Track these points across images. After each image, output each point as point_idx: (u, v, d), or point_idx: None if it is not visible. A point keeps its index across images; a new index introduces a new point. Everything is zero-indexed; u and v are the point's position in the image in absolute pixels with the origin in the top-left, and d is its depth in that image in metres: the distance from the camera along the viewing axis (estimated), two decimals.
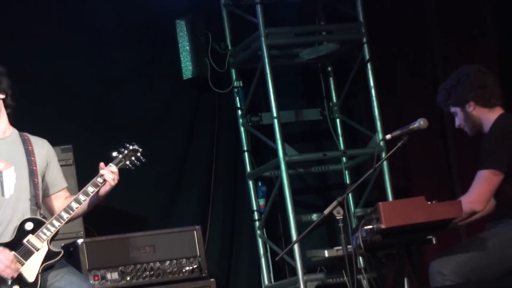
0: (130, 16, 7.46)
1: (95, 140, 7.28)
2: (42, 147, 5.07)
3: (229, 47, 7.62)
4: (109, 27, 7.51)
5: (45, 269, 4.78)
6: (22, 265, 4.73)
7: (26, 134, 5.10)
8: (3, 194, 4.87)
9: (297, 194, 7.36)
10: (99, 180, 4.93)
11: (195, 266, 6.24)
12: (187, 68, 7.52)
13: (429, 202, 5.04)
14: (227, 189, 7.78)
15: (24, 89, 6.69)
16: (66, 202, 4.96)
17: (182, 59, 7.51)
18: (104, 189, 4.94)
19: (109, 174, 4.96)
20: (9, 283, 4.77)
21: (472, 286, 4.99)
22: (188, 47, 7.49)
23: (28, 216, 4.83)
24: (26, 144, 5.02)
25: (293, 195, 7.04)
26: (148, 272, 6.18)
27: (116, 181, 4.99)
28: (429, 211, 5.01)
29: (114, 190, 5.78)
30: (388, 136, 5.14)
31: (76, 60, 7.31)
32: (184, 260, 6.25)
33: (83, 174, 6.21)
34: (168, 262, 6.21)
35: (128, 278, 6.15)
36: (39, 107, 6.77)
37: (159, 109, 7.63)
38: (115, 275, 6.13)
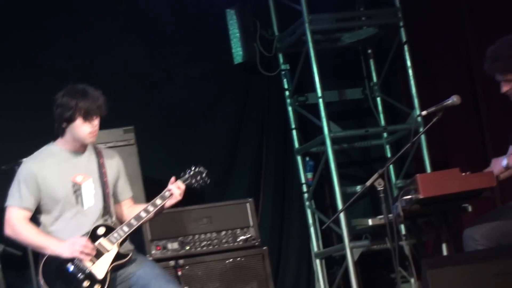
0: (184, 7, 7.52)
1: (154, 121, 7.46)
2: (112, 159, 5.20)
3: (276, 33, 7.76)
4: (165, 18, 7.65)
5: (115, 269, 4.92)
6: (93, 263, 4.87)
7: (98, 147, 5.23)
8: (82, 205, 5.00)
9: (342, 167, 7.47)
10: (167, 194, 5.04)
11: (248, 236, 6.39)
12: (237, 53, 7.64)
13: (463, 173, 5.14)
14: (277, 164, 7.88)
15: (92, 74, 6.85)
16: (132, 209, 5.13)
17: (232, 45, 7.64)
18: (170, 202, 5.05)
19: (176, 189, 5.06)
20: (81, 277, 4.92)
21: (503, 250, 4.99)
22: (238, 34, 7.60)
23: (101, 223, 5.01)
24: (98, 157, 5.14)
25: (338, 169, 7.17)
26: (205, 242, 6.35)
27: (181, 196, 5.08)
28: (463, 182, 5.15)
29: (174, 166, 5.93)
30: (424, 112, 5.24)
31: (137, 48, 7.47)
32: (238, 230, 6.39)
33: (144, 153, 6.45)
34: (223, 232, 6.36)
35: (187, 248, 6.33)
36: (105, 91, 6.87)
37: (213, 91, 7.73)
38: (175, 245, 6.32)
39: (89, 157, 5.10)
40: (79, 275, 4.91)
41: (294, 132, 7.78)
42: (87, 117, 4.93)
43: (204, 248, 6.38)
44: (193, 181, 5.12)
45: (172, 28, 7.70)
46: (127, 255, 4.94)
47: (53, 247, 4.89)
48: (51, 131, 5.11)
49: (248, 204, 6.48)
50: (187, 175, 5.12)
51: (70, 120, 4.88)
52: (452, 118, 6.58)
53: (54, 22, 7.54)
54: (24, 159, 5.18)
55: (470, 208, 6.18)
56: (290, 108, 7.83)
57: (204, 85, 7.72)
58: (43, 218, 5.07)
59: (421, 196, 5.29)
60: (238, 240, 6.43)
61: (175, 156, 7.48)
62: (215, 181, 7.46)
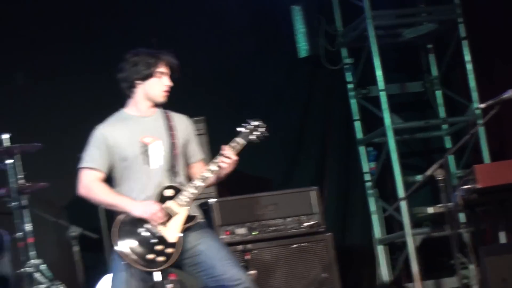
0: (252, 3, 7.64)
1: (224, 112, 7.51)
2: (181, 121, 5.14)
3: (339, 29, 7.88)
4: (235, 13, 7.75)
5: (185, 231, 4.88)
6: (164, 226, 4.84)
7: (167, 111, 5.14)
8: (149, 166, 4.96)
9: (403, 157, 7.49)
10: (217, 160, 5.02)
11: (313, 222, 6.43)
12: (302, 47, 7.72)
13: None
14: (341, 154, 7.97)
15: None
16: (201, 172, 5.13)
17: (297, 40, 7.73)
18: (224, 170, 5.05)
19: (225, 160, 4.93)
20: (153, 241, 4.85)
21: None
22: (303, 29, 7.70)
23: (169, 184, 4.99)
24: (168, 120, 5.09)
25: (399, 159, 7.25)
26: (272, 227, 6.42)
27: (231, 165, 4.98)
28: None
29: (243, 156, 6.16)
30: (482, 105, 5.28)
31: (208, 41, 7.58)
32: (303, 217, 6.44)
33: (214, 142, 6.30)
34: (289, 219, 6.41)
35: (255, 233, 6.40)
36: (177, 82, 7.01)
37: (279, 83, 7.84)
38: (243, 230, 6.41)
39: (158, 120, 5.11)
40: (151, 239, 4.92)
41: (357, 124, 7.86)
42: (163, 73, 4.98)
43: (271, 233, 6.41)
44: (252, 136, 5.04)
45: (241, 23, 7.79)
46: (195, 217, 4.93)
47: (125, 205, 4.92)
48: None
49: (313, 192, 6.51)
50: (245, 131, 5.03)
51: (146, 77, 4.94)
52: (510, 111, 6.40)
53: (129, 18, 7.61)
54: (96, 126, 5.13)
55: None
56: (353, 101, 7.89)
57: (271, 77, 7.79)
58: (120, 181, 5.12)
59: (479, 186, 5.41)
60: (303, 226, 6.46)
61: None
62: (282, 170, 7.74)
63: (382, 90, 7.40)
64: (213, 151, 6.66)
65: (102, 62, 7.49)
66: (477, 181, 5.44)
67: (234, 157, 4.87)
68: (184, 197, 4.84)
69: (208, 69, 7.29)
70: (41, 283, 6.68)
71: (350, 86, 7.88)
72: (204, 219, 5.06)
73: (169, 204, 4.86)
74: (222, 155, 4.86)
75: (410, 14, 7.68)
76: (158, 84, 4.92)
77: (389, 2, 7.73)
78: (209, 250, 4.84)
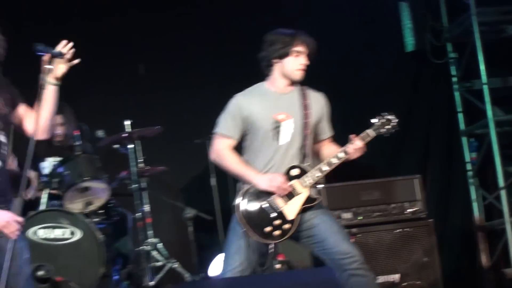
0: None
1: (332, 103, 7.66)
2: (318, 101, 5.15)
3: (445, 24, 7.87)
4: (345, 8, 7.86)
5: (304, 211, 4.93)
6: (285, 203, 4.89)
7: (304, 88, 5.18)
8: (278, 141, 5.01)
9: (504, 148, 7.47)
10: (347, 149, 4.93)
11: (416, 209, 6.55)
12: (409, 42, 7.83)
13: None
14: (444, 144, 8.00)
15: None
16: (329, 148, 5.12)
17: (405, 34, 7.83)
18: (351, 158, 5.01)
19: (354, 149, 4.93)
20: (273, 215, 4.91)
21: None
22: (410, 25, 7.82)
23: (295, 163, 5.02)
24: (303, 98, 5.12)
25: (500, 150, 7.28)
26: (376, 213, 6.56)
27: (361, 152, 4.99)
28: None
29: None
30: None
31: (318, 35, 7.56)
32: (406, 203, 6.55)
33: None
34: (393, 205, 6.54)
35: (360, 217, 6.59)
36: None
37: (385, 76, 7.89)
38: (348, 215, 6.59)
39: (294, 98, 5.14)
40: (271, 212, 4.95)
41: (460, 115, 7.92)
42: (300, 52, 5.03)
43: (375, 218, 6.55)
44: (383, 129, 5.10)
45: (351, 18, 7.89)
46: (316, 199, 4.96)
47: (252, 177, 4.97)
48: None
49: (416, 180, 6.61)
50: (378, 123, 5.09)
51: (283, 56, 5.00)
52: None
53: (252, 11, 7.74)
54: (235, 95, 5.26)
55: None
56: (456, 93, 7.95)
57: (378, 70, 7.89)
58: (249, 149, 5.22)
59: None
60: (406, 212, 6.56)
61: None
62: (387, 159, 7.78)
63: (485, 84, 7.40)
64: None
65: (220, 51, 7.66)
66: None
67: (363, 148, 4.95)
68: (309, 178, 4.90)
69: (318, 61, 7.23)
70: (157, 261, 6.98)
71: (454, 79, 7.90)
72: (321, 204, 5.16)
73: (293, 182, 4.93)
74: (352, 144, 4.93)
75: None
76: (294, 62, 4.98)
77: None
78: (323, 224, 4.91)
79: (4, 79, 4.66)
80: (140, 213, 6.88)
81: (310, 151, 5.09)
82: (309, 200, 4.92)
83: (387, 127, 5.08)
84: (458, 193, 7.92)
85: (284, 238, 4.93)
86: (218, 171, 6.80)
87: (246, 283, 4.70)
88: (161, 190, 7.56)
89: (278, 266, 5.53)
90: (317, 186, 5.17)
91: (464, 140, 7.82)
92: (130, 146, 6.88)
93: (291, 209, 4.89)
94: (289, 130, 5.04)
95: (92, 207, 6.76)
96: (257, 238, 4.90)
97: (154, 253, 6.91)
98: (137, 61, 8.02)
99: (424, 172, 7.34)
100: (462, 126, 7.83)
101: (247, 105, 5.03)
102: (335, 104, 6.94)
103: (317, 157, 5.19)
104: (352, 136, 4.95)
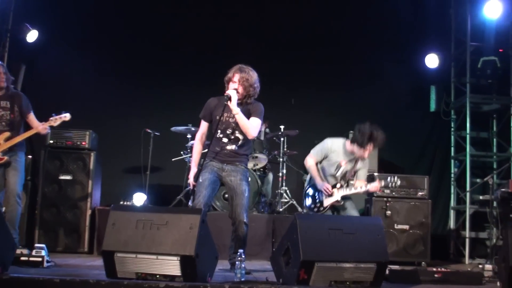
0: None
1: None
2: (362, 162, 6.04)
3: (452, 100, 9.04)
4: (397, 83, 9.06)
5: (332, 206, 6.04)
6: (325, 198, 6.04)
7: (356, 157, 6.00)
8: (335, 172, 6.12)
9: (472, 169, 8.59)
10: (370, 187, 6.00)
11: (423, 193, 7.42)
12: (432, 106, 9.22)
13: None
14: (442, 162, 9.23)
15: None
16: (358, 182, 6.10)
17: (430, 101, 9.21)
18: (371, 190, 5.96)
19: (374, 188, 6.06)
20: (317, 200, 6.13)
21: None
22: (434, 97, 9.23)
23: (339, 183, 6.04)
24: (356, 162, 6.14)
25: (470, 169, 8.40)
26: (402, 192, 7.42)
27: (375, 191, 6.10)
28: None
29: (395, 148, 8.01)
30: None
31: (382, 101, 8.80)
32: (419, 189, 7.47)
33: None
34: (412, 189, 7.45)
35: (393, 193, 7.43)
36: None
37: (418, 122, 9.19)
38: (388, 191, 7.44)
39: (352, 158, 6.08)
40: (317, 197, 6.14)
41: (452, 148, 8.97)
42: (369, 149, 5.96)
43: (402, 194, 7.28)
44: (389, 185, 6.03)
45: (399, 87, 9.05)
46: (340, 201, 6.03)
47: (317, 180, 6.12)
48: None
49: (426, 178, 7.55)
50: (387, 181, 6.03)
51: (360, 145, 5.95)
52: None
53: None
54: (327, 139, 6.15)
55: None
56: (452, 137, 9.03)
57: (415, 119, 9.15)
58: (325, 165, 6.18)
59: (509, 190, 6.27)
60: (418, 194, 7.47)
61: None
62: (412, 166, 8.90)
63: (467, 134, 8.56)
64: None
65: None
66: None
67: (378, 189, 6.04)
68: (342, 191, 6.05)
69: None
70: (285, 199, 8.16)
71: (452, 129, 8.92)
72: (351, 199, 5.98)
73: (334, 190, 6.11)
74: (373, 184, 6.04)
75: None
76: (363, 153, 5.97)
77: None
78: (350, 207, 6.09)
79: (16, 92, 5.89)
80: (280, 173, 8.36)
81: (349, 181, 6.14)
82: (337, 201, 6.11)
83: (393, 184, 6.09)
84: (446, 188, 9.26)
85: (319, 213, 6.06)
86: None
87: (326, 219, 5.37)
88: (291, 162, 8.82)
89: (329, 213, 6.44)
90: (345, 197, 6.05)
91: (452, 161, 9.18)
92: (282, 138, 8.45)
93: (327, 201, 6.16)
94: (343, 170, 6.22)
95: (257, 167, 8.32)
96: (306, 206, 6.21)
97: (284, 194, 8.34)
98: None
99: (429, 174, 8.46)
100: (452, 153, 9.19)
101: (330, 148, 6.16)
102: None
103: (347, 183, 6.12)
104: (377, 180, 6.13)
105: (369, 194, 7.54)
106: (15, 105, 5.95)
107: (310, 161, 6.13)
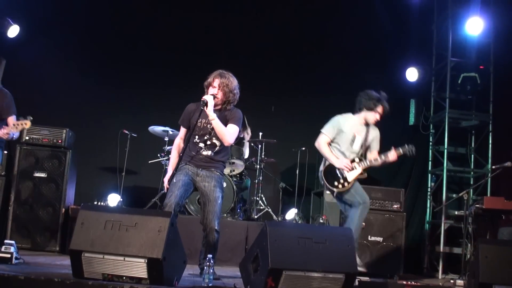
0: None
1: None
2: (374, 132, 6.15)
3: (431, 114, 9.10)
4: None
5: (357, 179, 6.15)
6: (348, 172, 6.15)
7: (371, 124, 6.19)
8: (352, 146, 6.21)
9: (448, 183, 8.71)
10: (387, 154, 6.10)
11: (397, 205, 7.54)
12: (411, 119, 9.26)
13: None
14: (419, 176, 9.29)
15: None
16: (373, 155, 6.22)
17: (410, 115, 9.21)
18: (389, 160, 6.11)
19: (392, 155, 6.13)
20: (340, 176, 6.18)
21: None
22: (413, 110, 9.25)
23: (357, 157, 6.19)
24: (368, 130, 6.23)
25: (446, 183, 8.48)
26: (377, 204, 7.49)
27: (393, 161, 6.04)
28: None
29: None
30: None
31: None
32: (393, 202, 7.59)
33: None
34: (387, 202, 7.55)
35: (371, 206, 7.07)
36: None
37: (396, 134, 8.93)
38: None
39: (364, 128, 6.26)
40: (339, 175, 6.20)
41: (430, 162, 9.10)
42: (380, 112, 6.16)
43: (377, 207, 7.36)
44: (407, 153, 6.15)
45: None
46: (363, 174, 6.20)
47: (334, 160, 6.19)
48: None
49: (401, 191, 7.66)
50: (405, 148, 6.17)
51: (370, 109, 6.13)
52: None
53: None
54: (337, 115, 6.21)
55: None
56: (430, 151, 9.14)
57: (394, 131, 8.76)
58: (338, 142, 6.24)
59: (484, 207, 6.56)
60: (392, 207, 7.59)
61: None
62: (389, 179, 8.83)
63: (445, 148, 8.67)
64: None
65: None
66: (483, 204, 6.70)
67: (396, 158, 6.11)
68: (363, 164, 6.19)
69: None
70: (261, 206, 8.33)
71: (430, 143, 9.01)
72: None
73: (354, 164, 6.24)
74: (390, 153, 6.13)
75: None
76: (374, 117, 6.18)
77: None
78: (357, 184, 6.17)
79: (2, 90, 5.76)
80: (256, 180, 8.51)
81: (363, 154, 6.25)
82: (360, 174, 6.25)
83: (410, 152, 6.18)
84: (422, 201, 9.32)
85: (342, 190, 6.14)
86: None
87: (296, 227, 5.55)
88: (268, 170, 9.01)
89: (321, 221, 7.36)
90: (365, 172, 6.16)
91: (429, 175, 9.29)
92: (260, 145, 8.63)
93: (350, 175, 6.24)
94: (358, 142, 6.32)
95: (234, 173, 8.39)
96: (330, 186, 6.14)
97: (260, 201, 8.50)
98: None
99: (406, 188, 8.79)
100: (429, 168, 9.32)
101: (343, 123, 6.26)
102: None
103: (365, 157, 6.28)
104: (393, 148, 6.16)
105: None
106: None
107: (322, 141, 6.17)
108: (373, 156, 6.22)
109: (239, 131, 5.65)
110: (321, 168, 6.19)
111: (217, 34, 9.20)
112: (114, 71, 9.09)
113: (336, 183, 6.11)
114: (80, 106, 8.84)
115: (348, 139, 6.16)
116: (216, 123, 5.38)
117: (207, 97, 5.38)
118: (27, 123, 5.63)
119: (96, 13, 9.00)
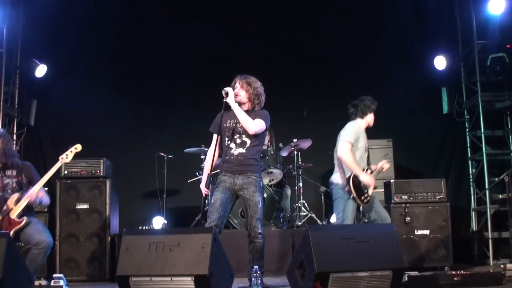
0: None
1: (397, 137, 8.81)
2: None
3: (464, 100, 9.03)
4: (407, 87, 9.17)
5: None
6: (369, 188, 5.98)
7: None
8: (365, 155, 6.11)
9: (489, 168, 8.65)
10: (379, 166, 6.18)
11: (441, 196, 7.44)
12: (445, 108, 9.15)
13: None
14: (459, 163, 9.22)
15: None
16: (375, 166, 6.16)
17: (443, 104, 9.13)
18: (383, 169, 6.16)
19: (386, 165, 6.21)
20: (365, 191, 6.02)
21: None
22: (446, 98, 9.17)
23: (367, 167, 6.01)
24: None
25: (488, 169, 8.43)
26: (420, 196, 7.46)
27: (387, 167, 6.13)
28: None
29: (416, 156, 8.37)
30: None
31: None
32: (436, 193, 7.50)
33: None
34: (430, 193, 7.47)
35: (411, 198, 7.44)
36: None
37: (432, 124, 9.20)
38: (405, 197, 7.47)
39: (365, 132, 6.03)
40: (364, 190, 6.05)
41: (468, 149, 9.02)
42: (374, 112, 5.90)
43: (420, 199, 7.31)
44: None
45: (412, 91, 9.18)
46: (376, 188, 6.03)
47: (359, 173, 6.00)
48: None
49: (443, 181, 7.58)
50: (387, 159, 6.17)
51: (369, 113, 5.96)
52: None
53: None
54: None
55: None
56: (467, 137, 9.06)
57: (428, 122, 9.20)
58: (353, 151, 6.03)
59: None
60: (436, 198, 7.48)
61: None
62: (429, 169, 9.00)
63: (482, 133, 8.59)
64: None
65: None
66: None
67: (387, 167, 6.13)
68: (374, 175, 6.11)
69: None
70: (304, 212, 8.21)
71: (467, 130, 8.99)
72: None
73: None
74: (384, 164, 6.18)
75: None
76: (372, 119, 6.10)
77: None
78: (375, 200, 6.07)
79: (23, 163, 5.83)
80: (296, 187, 8.47)
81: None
82: (375, 187, 6.17)
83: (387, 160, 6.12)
84: (465, 189, 9.28)
85: (366, 203, 6.04)
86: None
87: (338, 228, 5.43)
88: (307, 175, 8.90)
89: (365, 220, 6.49)
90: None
91: (469, 162, 9.22)
92: (295, 152, 8.54)
93: (371, 190, 6.15)
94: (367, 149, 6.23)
95: (273, 182, 8.37)
96: (358, 200, 5.99)
97: (302, 208, 8.41)
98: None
99: (447, 177, 8.81)
100: (469, 154, 9.24)
101: (360, 134, 6.11)
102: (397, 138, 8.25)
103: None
104: (384, 161, 6.23)
105: (386, 202, 7.62)
106: (23, 175, 5.77)
107: (346, 149, 5.96)
108: (373, 166, 6.21)
109: (265, 128, 5.67)
110: (346, 175, 5.99)
111: (247, 45, 9.36)
112: (141, 96, 9.30)
113: (362, 197, 6.02)
114: (113, 135, 9.02)
115: (363, 147, 6.09)
116: (238, 111, 5.40)
117: (227, 88, 5.43)
118: (77, 147, 5.73)
119: (124, 37, 9.18)
